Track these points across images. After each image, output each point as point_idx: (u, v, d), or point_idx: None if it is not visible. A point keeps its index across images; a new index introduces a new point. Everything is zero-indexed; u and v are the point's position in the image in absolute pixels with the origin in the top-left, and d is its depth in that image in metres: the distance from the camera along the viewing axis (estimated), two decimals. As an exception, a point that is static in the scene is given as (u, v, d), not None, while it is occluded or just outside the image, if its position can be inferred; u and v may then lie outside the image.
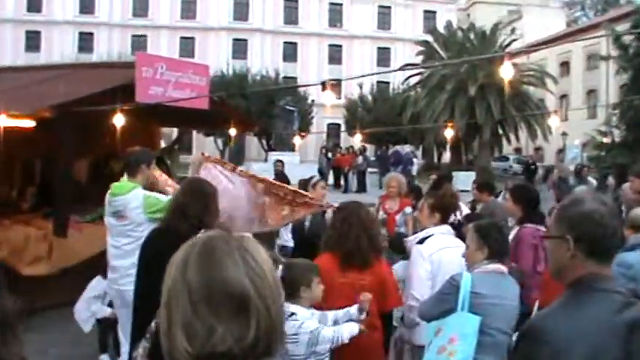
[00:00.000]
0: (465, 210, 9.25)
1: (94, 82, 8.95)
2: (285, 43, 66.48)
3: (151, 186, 6.56)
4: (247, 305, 1.48)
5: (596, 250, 2.41)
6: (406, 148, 43.08)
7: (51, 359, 7.75)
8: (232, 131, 11.17)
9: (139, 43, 63.13)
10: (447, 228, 5.67)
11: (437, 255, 5.35)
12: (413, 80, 48.30)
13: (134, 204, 6.04)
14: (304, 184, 8.97)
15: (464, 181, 31.83)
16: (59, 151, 9.93)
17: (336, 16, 67.58)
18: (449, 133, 23.79)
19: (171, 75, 8.98)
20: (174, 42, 64.59)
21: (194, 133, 58.34)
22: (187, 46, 64.85)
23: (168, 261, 4.83)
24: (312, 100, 54.86)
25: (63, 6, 63.65)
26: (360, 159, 32.37)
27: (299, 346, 4.26)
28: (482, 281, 4.37)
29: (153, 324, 4.60)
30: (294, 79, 61.94)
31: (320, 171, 32.72)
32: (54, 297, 8.59)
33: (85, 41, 63.37)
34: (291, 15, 66.78)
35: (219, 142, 54.04)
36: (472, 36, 44.33)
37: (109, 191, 6.31)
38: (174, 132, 31.98)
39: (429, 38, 47.50)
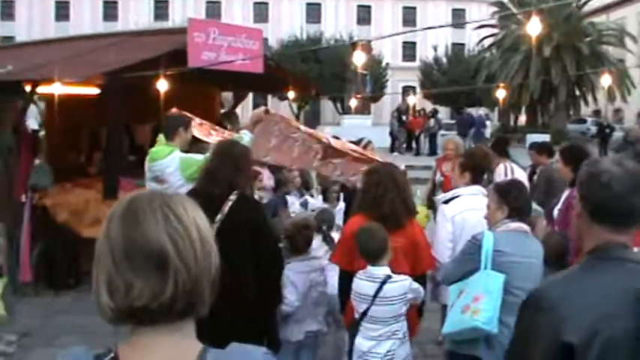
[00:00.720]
0: (519, 172, 9.04)
1: (146, 49, 9.04)
2: (358, 6, 65.94)
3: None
4: (165, 263, 1.48)
5: (601, 213, 2.29)
6: (480, 111, 42.39)
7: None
8: (291, 94, 11.14)
9: (213, 9, 63.59)
10: (477, 189, 5.53)
11: (460, 216, 5.29)
12: (487, 42, 47.28)
13: (172, 167, 6.00)
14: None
15: (538, 143, 31.22)
16: (119, 117, 10.10)
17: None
18: (500, 94, 22.78)
19: (223, 40, 8.99)
20: (247, 8, 64.79)
21: (269, 98, 59.02)
22: (261, 11, 64.94)
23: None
24: (387, 63, 54.53)
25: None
26: (431, 121, 32.01)
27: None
28: (504, 240, 4.27)
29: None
30: (369, 42, 61.42)
31: (391, 134, 32.57)
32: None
33: (161, 9, 64.09)
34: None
35: (294, 106, 54.29)
36: (548, -3, 43.08)
37: (147, 157, 6.35)
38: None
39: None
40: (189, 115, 6.52)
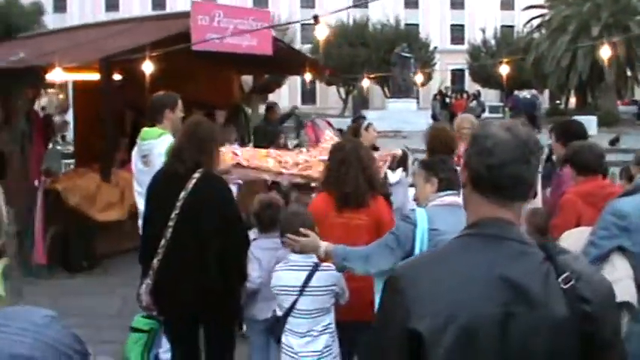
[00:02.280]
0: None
1: (150, 33, 9.11)
2: (406, -11, 65.52)
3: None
4: None
5: (482, 183, 2.02)
6: (524, 93, 41.63)
7: (117, 298, 8.17)
8: (307, 76, 11.15)
9: (261, -4, 63.80)
10: None
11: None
12: (536, 23, 46.44)
13: (159, 150, 5.87)
14: (355, 128, 8.86)
15: (586, 126, 30.61)
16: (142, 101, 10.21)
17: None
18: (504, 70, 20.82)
19: (229, 22, 9.01)
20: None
21: (317, 84, 59.04)
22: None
23: (169, 202, 4.93)
24: (435, 47, 54.08)
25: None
26: (473, 103, 31.71)
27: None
28: (439, 216, 3.95)
29: (154, 261, 4.75)
30: (416, 26, 61.01)
31: (433, 117, 32.35)
32: (130, 241, 8.95)
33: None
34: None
35: (342, 91, 54.29)
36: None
37: (139, 135, 6.38)
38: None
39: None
40: (174, 94, 6.43)
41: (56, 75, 7.89)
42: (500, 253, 1.95)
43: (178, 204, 4.63)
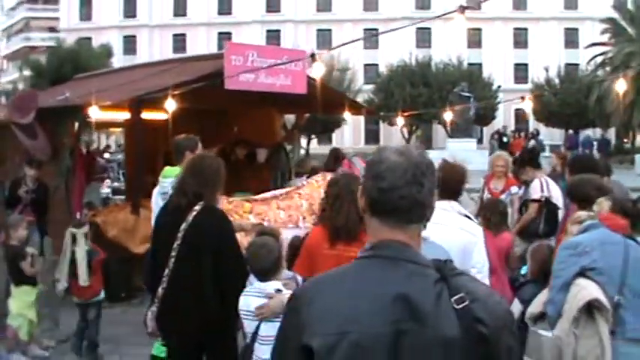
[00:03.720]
0: (554, 187, 8.90)
1: (184, 73, 9.45)
2: (469, 29, 65.27)
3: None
4: None
5: (376, 207, 2.08)
6: (587, 132, 41.09)
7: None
8: (346, 115, 11.34)
9: (323, 37, 64.57)
10: (449, 204, 5.16)
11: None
12: (599, 60, 45.85)
13: None
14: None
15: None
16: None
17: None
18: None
19: (263, 62, 9.26)
20: (358, 33, 65.34)
21: (381, 124, 59.25)
22: (370, 36, 65.46)
23: (172, 233, 5.14)
24: (499, 86, 53.73)
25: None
26: (531, 142, 31.41)
27: None
28: None
29: (160, 289, 4.98)
30: (479, 65, 60.86)
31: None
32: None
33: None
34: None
35: (405, 131, 54.34)
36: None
37: (161, 173, 6.67)
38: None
39: (616, 15, 44.94)
40: (195, 137, 6.77)
41: (93, 113, 8.28)
42: (394, 273, 1.99)
43: (179, 235, 4.85)
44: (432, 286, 1.97)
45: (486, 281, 5.25)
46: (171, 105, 7.97)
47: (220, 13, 68.19)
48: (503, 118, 56.14)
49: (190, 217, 4.83)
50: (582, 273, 3.79)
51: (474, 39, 65.16)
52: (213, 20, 67.38)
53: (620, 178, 10.35)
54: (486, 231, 7.42)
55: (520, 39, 64.97)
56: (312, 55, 7.80)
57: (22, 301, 7.40)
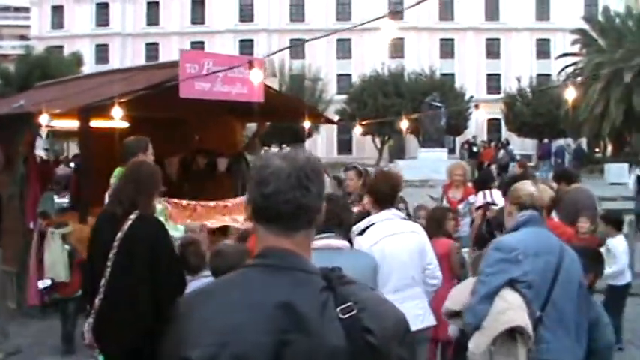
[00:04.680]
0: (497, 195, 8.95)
1: (140, 81, 9.36)
2: (441, 40, 65.76)
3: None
4: None
5: (260, 213, 2.02)
6: (560, 142, 41.44)
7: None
8: (306, 124, 11.31)
9: (296, 50, 64.69)
10: (391, 213, 5.20)
11: (378, 246, 4.82)
12: (570, 70, 46.27)
13: None
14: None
15: (616, 173, 30.36)
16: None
17: (493, 9, 65.86)
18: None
19: (218, 70, 9.20)
20: (331, 44, 65.50)
21: (353, 134, 59.21)
22: (344, 47, 65.76)
23: (107, 244, 5.02)
24: (471, 96, 54.04)
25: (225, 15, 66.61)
26: (500, 153, 31.58)
27: None
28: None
29: (96, 300, 4.88)
30: (452, 75, 61.22)
31: (462, 166, 32.21)
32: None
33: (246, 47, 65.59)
34: (446, 10, 65.85)
35: (377, 141, 54.51)
36: (630, 22, 41.99)
37: (112, 174, 6.58)
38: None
39: (587, 27, 45.44)
40: (145, 139, 6.68)
41: (44, 120, 8.16)
42: (278, 282, 1.93)
43: (115, 244, 4.76)
44: (318, 294, 1.91)
45: (439, 274, 5.30)
46: (118, 113, 7.87)
47: (193, 22, 68.15)
48: (476, 128, 56.39)
49: (126, 227, 4.74)
50: (510, 283, 3.67)
51: (447, 49, 65.62)
52: (186, 30, 67.25)
53: (591, 188, 10.47)
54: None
55: (492, 49, 65.44)
56: (250, 62, 7.74)
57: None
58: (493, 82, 63.68)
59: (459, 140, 51.77)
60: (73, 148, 43.29)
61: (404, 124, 19.50)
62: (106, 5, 68.68)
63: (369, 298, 1.99)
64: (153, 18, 68.62)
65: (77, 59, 46.69)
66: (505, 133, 55.81)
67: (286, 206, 1.98)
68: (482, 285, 3.70)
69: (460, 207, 9.59)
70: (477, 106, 13.33)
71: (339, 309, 1.89)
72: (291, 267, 1.97)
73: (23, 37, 72.33)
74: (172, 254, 4.92)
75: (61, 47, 62.10)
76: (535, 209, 4.00)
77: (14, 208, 9.66)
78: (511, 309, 3.55)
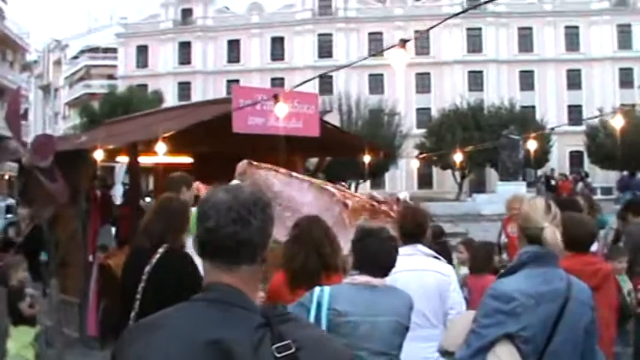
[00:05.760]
0: None
1: (192, 118, 9.55)
2: (520, 72, 64.96)
3: None
4: None
5: (202, 248, 2.03)
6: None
7: None
8: (367, 158, 11.34)
9: (375, 81, 64.96)
10: (415, 248, 5.14)
11: (390, 279, 4.64)
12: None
13: None
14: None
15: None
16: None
17: (573, 39, 64.76)
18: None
19: (272, 105, 9.30)
20: (410, 78, 65.60)
21: (434, 168, 58.86)
22: (423, 81, 65.77)
23: (136, 277, 5.14)
24: (552, 128, 53.04)
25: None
26: (579, 185, 30.83)
27: None
28: (342, 296, 3.96)
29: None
30: (532, 108, 60.34)
31: (539, 200, 31.54)
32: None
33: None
34: (525, 43, 65.13)
35: (457, 174, 54.02)
36: None
37: None
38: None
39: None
40: (188, 175, 6.84)
41: (98, 156, 8.45)
42: (212, 318, 1.93)
43: (143, 277, 4.86)
44: (253, 332, 1.89)
45: None
46: (161, 148, 8.08)
47: (273, 59, 69.19)
48: (558, 161, 55.33)
49: (154, 260, 4.84)
50: (508, 335, 3.34)
51: (527, 81, 64.68)
52: (267, 66, 68.34)
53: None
54: (471, 273, 7.34)
55: (574, 80, 64.21)
56: (275, 96, 7.82)
57: (20, 342, 7.48)
58: (575, 113, 62.47)
59: (541, 173, 50.82)
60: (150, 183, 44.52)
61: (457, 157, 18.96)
62: (188, 44, 70.65)
63: (309, 337, 1.95)
64: (234, 55, 70.10)
65: (158, 97, 48.11)
66: (588, 166, 54.59)
67: (227, 241, 1.97)
68: (476, 337, 3.40)
69: (519, 242, 9.39)
70: (526, 138, 12.86)
71: (274, 347, 1.85)
72: (229, 302, 1.95)
73: (111, 77, 74.82)
74: (199, 287, 4.98)
75: (145, 85, 64.09)
76: (545, 246, 3.50)
77: (77, 242, 9.96)
78: None
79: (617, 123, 11.81)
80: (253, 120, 9.01)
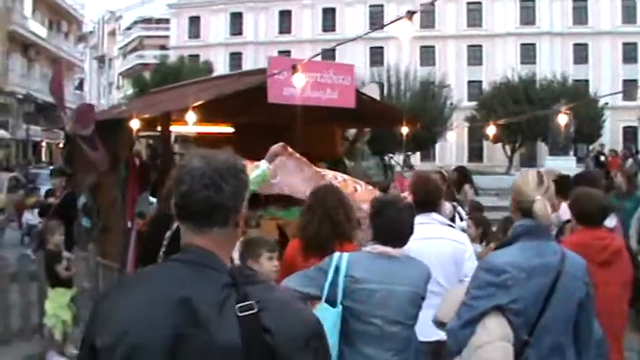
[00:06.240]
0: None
1: (229, 88, 9.66)
2: (574, 44, 63.63)
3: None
4: None
5: (177, 211, 2.12)
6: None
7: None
8: (404, 129, 11.34)
9: (427, 53, 64.39)
10: (431, 217, 5.18)
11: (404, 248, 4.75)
12: None
13: None
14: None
15: None
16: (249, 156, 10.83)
17: (630, 11, 62.97)
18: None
19: (308, 76, 9.34)
20: (461, 50, 65.00)
21: (484, 142, 58.26)
22: (475, 53, 65.02)
23: (158, 243, 5.30)
24: (606, 103, 52.07)
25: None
26: (629, 161, 30.28)
27: None
28: (360, 264, 4.00)
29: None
30: (586, 81, 59.15)
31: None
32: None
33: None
34: (580, 15, 63.74)
35: (507, 148, 53.43)
36: None
37: None
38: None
39: None
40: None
41: (134, 125, 8.65)
42: (183, 277, 2.01)
43: (164, 242, 5.04)
44: (219, 291, 1.97)
45: None
46: (192, 118, 8.22)
47: (325, 29, 68.94)
48: (611, 136, 54.34)
49: (174, 225, 4.98)
50: (498, 307, 3.37)
51: (581, 54, 63.35)
52: (318, 37, 68.15)
53: None
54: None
55: (629, 54, 62.56)
56: (294, 67, 7.88)
57: (56, 302, 7.78)
58: (629, 87, 61.05)
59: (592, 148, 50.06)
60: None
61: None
62: (239, 15, 70.74)
63: (274, 299, 2.03)
64: (285, 26, 70.09)
65: (208, 67, 48.41)
66: (641, 142, 53.55)
67: (200, 204, 2.06)
68: (467, 309, 3.44)
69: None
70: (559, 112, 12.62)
71: (237, 306, 1.94)
72: (202, 263, 2.04)
73: (163, 47, 75.50)
74: None
75: (197, 56, 64.49)
76: (535, 218, 3.51)
77: (117, 209, 10.24)
78: (490, 344, 3.29)
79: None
80: (288, 90, 9.07)
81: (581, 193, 5.41)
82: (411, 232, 4.23)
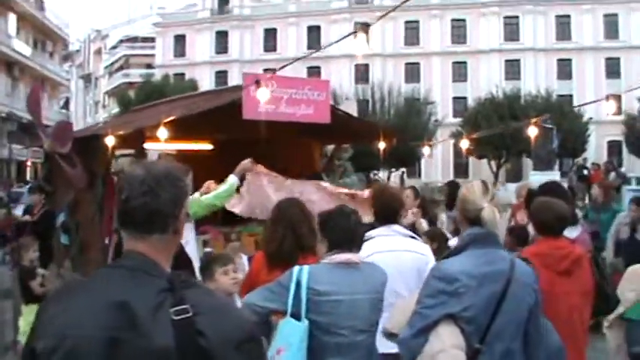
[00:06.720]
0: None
1: (200, 105, 9.73)
2: (558, 60, 64.07)
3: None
4: None
5: (120, 219, 2.20)
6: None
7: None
8: (381, 144, 11.38)
9: (412, 70, 64.71)
10: (393, 229, 5.19)
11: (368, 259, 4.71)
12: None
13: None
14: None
15: None
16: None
17: (611, 27, 63.54)
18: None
19: (283, 92, 9.40)
20: (446, 67, 65.36)
21: (470, 158, 58.54)
22: (460, 69, 65.42)
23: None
24: (590, 118, 52.37)
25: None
26: (611, 175, 30.36)
27: None
28: (321, 276, 3.98)
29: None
30: (570, 96, 59.55)
31: (570, 188, 31.22)
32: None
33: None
34: (563, 31, 64.24)
35: (493, 164, 53.73)
36: None
37: None
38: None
39: None
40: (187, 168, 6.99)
41: (109, 142, 8.69)
42: (120, 282, 2.07)
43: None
44: (155, 295, 2.03)
45: None
46: (163, 134, 8.26)
47: (310, 47, 69.10)
48: (595, 150, 54.67)
49: None
50: (450, 315, 3.40)
51: (564, 70, 63.77)
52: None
53: None
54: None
55: (612, 69, 63.02)
56: (257, 82, 7.95)
57: (30, 319, 7.74)
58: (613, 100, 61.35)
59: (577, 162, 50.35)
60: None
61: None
62: (225, 33, 71.00)
63: (210, 303, 2.10)
64: (270, 44, 70.31)
65: (193, 85, 48.43)
66: (626, 156, 53.93)
67: (138, 211, 2.13)
68: (420, 318, 3.45)
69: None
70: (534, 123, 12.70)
71: (172, 310, 1.99)
72: (141, 269, 2.11)
73: (149, 66, 75.55)
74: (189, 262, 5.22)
75: (183, 74, 64.66)
76: (483, 226, 3.58)
77: (95, 225, 10.24)
78: (444, 352, 3.31)
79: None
80: (263, 107, 9.12)
81: (540, 203, 5.40)
82: (363, 235, 4.33)
